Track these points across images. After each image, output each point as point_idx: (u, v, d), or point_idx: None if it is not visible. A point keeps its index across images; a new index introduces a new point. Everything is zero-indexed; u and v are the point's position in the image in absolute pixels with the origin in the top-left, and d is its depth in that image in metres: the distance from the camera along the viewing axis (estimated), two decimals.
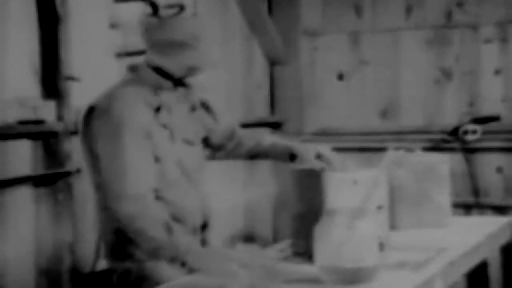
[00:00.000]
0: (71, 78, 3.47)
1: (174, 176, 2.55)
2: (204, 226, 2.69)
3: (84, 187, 3.50)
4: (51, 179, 3.38)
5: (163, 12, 3.96)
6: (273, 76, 5.32)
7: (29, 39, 3.34)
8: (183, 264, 2.37)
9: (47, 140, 3.37)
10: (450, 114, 5.00)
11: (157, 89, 2.56)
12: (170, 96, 2.59)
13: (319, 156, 2.75)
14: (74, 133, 3.47)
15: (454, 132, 4.91)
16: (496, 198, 4.87)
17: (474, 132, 4.84)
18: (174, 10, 4.04)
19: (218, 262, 2.32)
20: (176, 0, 4.13)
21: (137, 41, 3.92)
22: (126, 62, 3.80)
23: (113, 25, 3.77)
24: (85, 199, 3.50)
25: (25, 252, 3.27)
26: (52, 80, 3.41)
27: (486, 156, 4.88)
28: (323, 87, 5.36)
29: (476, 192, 4.89)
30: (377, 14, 5.20)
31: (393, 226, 3.05)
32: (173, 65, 2.58)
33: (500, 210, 4.78)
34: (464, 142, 4.89)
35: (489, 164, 4.88)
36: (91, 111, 2.49)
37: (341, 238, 2.12)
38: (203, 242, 2.66)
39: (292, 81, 5.31)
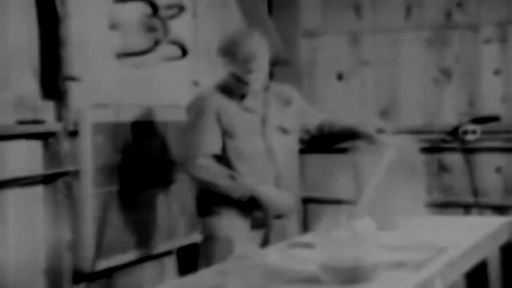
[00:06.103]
0: (71, 78, 3.47)
1: (248, 151, 3.16)
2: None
3: (83, 187, 3.50)
4: (51, 179, 3.38)
5: (163, 12, 3.96)
6: (273, 76, 5.31)
7: (29, 39, 3.34)
8: (249, 200, 3.07)
9: (47, 140, 3.36)
10: (450, 114, 5.00)
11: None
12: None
13: (380, 130, 3.21)
14: (73, 133, 3.47)
15: (454, 132, 4.92)
16: (495, 198, 4.87)
17: (474, 132, 4.84)
18: (173, 11, 4.05)
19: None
20: (176, 0, 4.15)
21: (136, 41, 3.93)
22: (126, 62, 3.82)
23: (113, 26, 3.76)
24: (84, 199, 3.50)
25: (25, 252, 3.27)
26: (52, 80, 3.41)
27: (485, 156, 4.89)
28: (323, 87, 5.37)
29: (475, 191, 4.89)
30: (377, 14, 5.20)
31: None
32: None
33: (499, 210, 4.79)
34: (463, 142, 4.89)
35: (488, 164, 4.88)
36: None
37: (341, 238, 2.12)
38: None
39: (292, 81, 5.31)
